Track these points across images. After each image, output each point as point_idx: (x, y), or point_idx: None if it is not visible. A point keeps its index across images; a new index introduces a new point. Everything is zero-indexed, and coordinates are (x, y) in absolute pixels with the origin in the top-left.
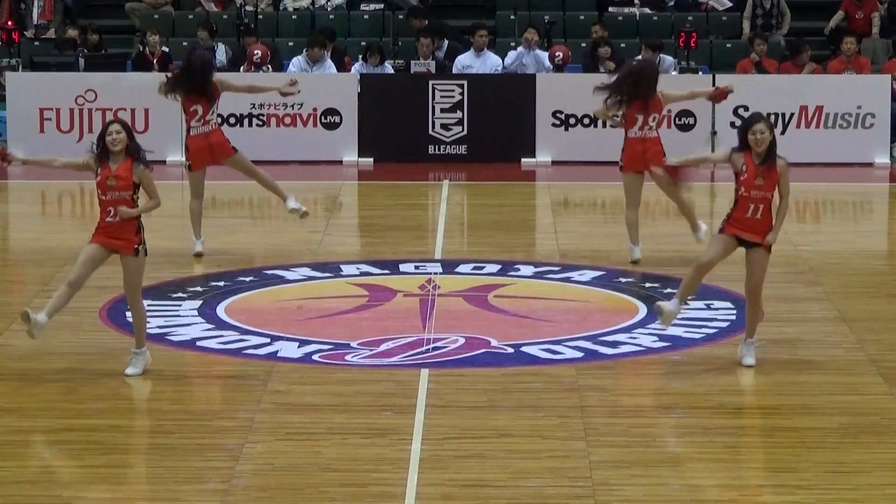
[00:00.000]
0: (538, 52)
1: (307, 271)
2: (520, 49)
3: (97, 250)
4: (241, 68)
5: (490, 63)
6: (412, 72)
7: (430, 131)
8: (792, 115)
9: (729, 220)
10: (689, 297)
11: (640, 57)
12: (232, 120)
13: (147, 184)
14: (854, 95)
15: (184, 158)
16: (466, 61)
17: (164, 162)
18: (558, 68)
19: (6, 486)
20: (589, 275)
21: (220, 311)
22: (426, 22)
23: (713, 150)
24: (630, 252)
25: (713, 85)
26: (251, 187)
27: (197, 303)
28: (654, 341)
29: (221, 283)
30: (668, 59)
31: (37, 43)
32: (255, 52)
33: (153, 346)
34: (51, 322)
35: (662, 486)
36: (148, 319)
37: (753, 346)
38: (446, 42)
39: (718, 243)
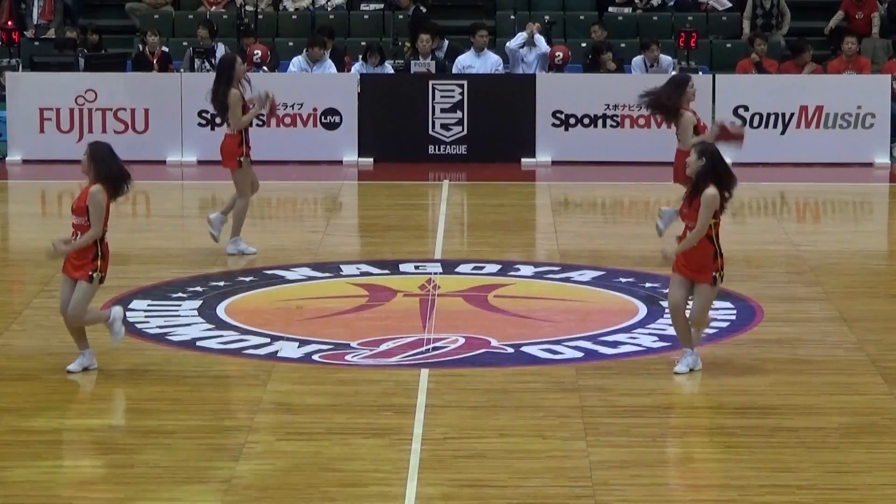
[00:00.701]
0: (538, 35)
1: (307, 271)
2: (523, 34)
3: (65, 280)
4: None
5: (490, 62)
6: (412, 72)
7: (430, 131)
8: (792, 115)
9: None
10: (689, 340)
11: (641, 57)
12: None
13: (92, 208)
14: (854, 95)
15: None
16: (467, 61)
17: (164, 162)
18: (558, 68)
19: (6, 486)
20: (589, 275)
21: (220, 311)
22: (412, 6)
23: None
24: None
25: (713, 85)
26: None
27: (197, 303)
28: (654, 341)
29: (221, 283)
30: (667, 59)
31: (37, 43)
32: (255, 51)
33: (153, 345)
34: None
35: (662, 486)
36: (147, 319)
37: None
38: (446, 42)
39: (675, 284)
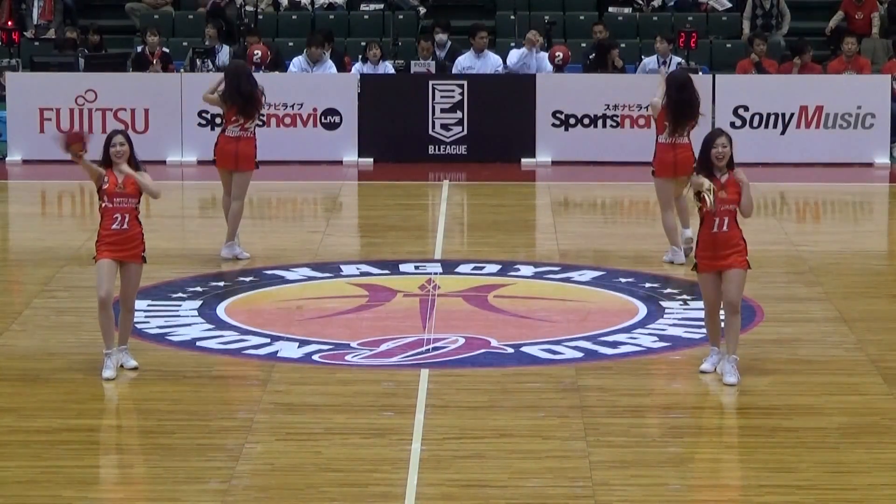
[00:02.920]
0: (540, 54)
1: (307, 271)
2: (523, 49)
3: (109, 264)
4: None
5: (490, 63)
6: (412, 72)
7: (430, 131)
8: (792, 115)
9: (698, 246)
10: (718, 339)
11: (654, 56)
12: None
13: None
14: (854, 95)
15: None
16: (466, 62)
17: (164, 162)
18: (558, 68)
19: (6, 486)
20: (589, 275)
21: (220, 311)
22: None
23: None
24: (672, 255)
25: (713, 85)
26: (252, 188)
27: (197, 303)
28: (654, 341)
29: (221, 284)
30: (675, 59)
31: (37, 43)
32: (255, 51)
33: (153, 345)
34: (118, 351)
35: (662, 486)
36: (147, 319)
37: (735, 362)
38: (448, 42)
39: (706, 284)
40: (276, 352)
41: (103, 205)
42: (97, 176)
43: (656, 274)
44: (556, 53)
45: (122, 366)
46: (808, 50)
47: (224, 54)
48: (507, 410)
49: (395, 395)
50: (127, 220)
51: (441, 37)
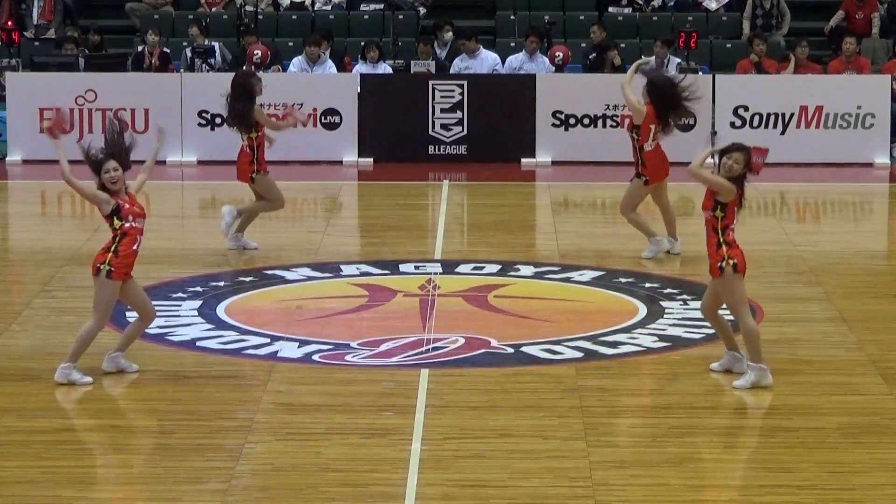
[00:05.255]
0: (540, 56)
1: (307, 271)
2: (521, 55)
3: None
4: (243, 68)
5: (488, 63)
6: (412, 72)
7: (430, 131)
8: (792, 115)
9: None
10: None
11: (652, 58)
12: None
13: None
14: (854, 95)
15: None
16: (464, 62)
17: (164, 162)
18: (558, 68)
19: (6, 486)
20: (589, 275)
21: (220, 311)
22: None
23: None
24: (649, 249)
25: (713, 85)
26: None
27: (197, 303)
28: (654, 341)
29: (221, 284)
30: (674, 60)
31: (37, 43)
32: (255, 52)
33: (153, 345)
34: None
35: (662, 486)
36: None
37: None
38: (449, 42)
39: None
40: (276, 352)
41: (127, 225)
42: (101, 199)
43: (656, 274)
44: (556, 53)
45: (122, 371)
46: (803, 44)
47: (219, 53)
48: (507, 410)
49: (395, 395)
50: (140, 241)
51: (449, 35)
